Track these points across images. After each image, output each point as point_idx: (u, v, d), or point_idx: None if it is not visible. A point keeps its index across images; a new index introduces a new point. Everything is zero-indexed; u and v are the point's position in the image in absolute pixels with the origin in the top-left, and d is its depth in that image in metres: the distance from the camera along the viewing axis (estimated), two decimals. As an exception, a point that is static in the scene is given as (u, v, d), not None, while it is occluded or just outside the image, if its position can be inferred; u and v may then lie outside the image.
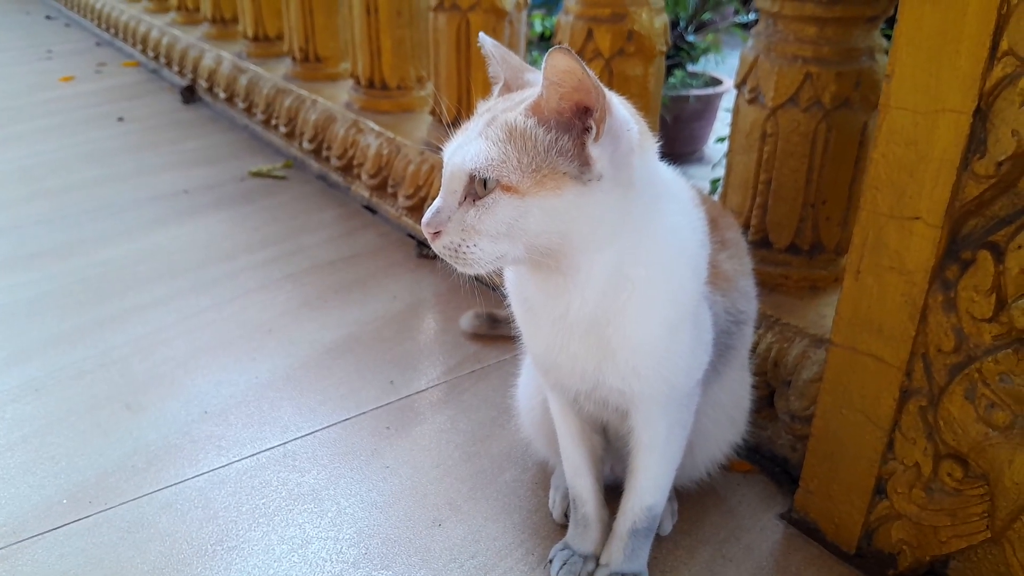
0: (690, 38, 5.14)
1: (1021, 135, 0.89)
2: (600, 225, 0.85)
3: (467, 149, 0.84)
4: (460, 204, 0.84)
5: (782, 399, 1.34)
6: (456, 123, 2.23)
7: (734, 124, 1.44)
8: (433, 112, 2.16)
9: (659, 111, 1.77)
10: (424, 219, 0.86)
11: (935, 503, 1.08)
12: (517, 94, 0.90)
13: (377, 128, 2.31)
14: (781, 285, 1.43)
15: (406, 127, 2.30)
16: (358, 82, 2.44)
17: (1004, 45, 0.88)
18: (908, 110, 0.97)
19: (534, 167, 0.81)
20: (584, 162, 0.82)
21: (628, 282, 0.90)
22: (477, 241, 0.83)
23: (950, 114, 0.93)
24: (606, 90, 0.82)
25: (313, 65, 2.74)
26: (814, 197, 1.38)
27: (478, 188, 0.83)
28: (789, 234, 1.41)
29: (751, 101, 1.38)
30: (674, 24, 5.09)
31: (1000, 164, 0.92)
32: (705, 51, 5.08)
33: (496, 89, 0.95)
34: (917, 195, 0.98)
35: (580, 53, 1.65)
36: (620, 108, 0.84)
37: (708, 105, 4.55)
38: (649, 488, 1.07)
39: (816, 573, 1.17)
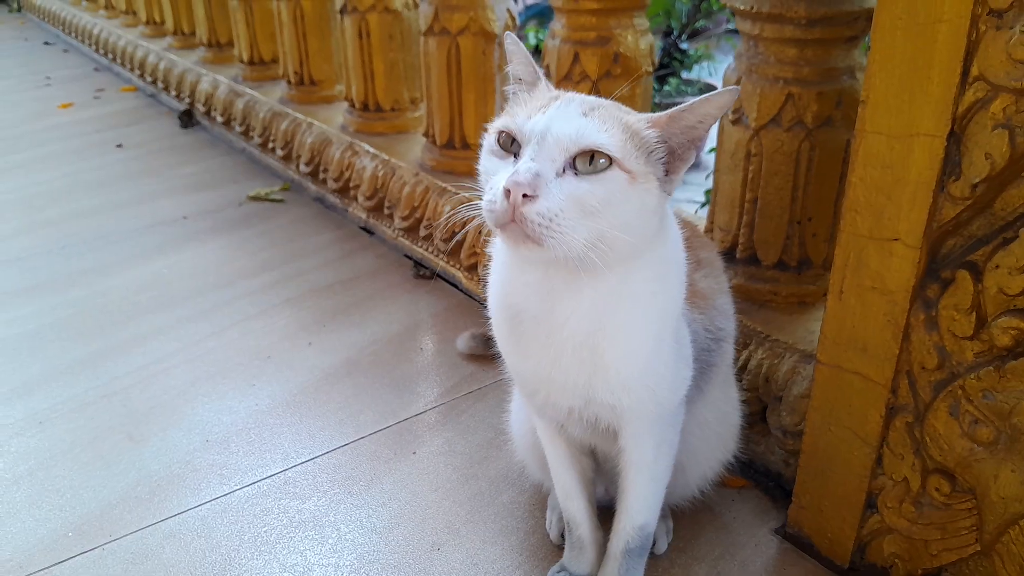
0: (684, 46, 5.18)
1: (994, 158, 0.91)
2: (653, 228, 0.90)
3: (582, 124, 0.83)
4: (559, 175, 0.83)
5: (774, 414, 1.36)
6: (450, 144, 2.24)
7: (719, 145, 1.46)
8: (427, 133, 2.19)
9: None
10: (518, 177, 0.80)
11: (925, 517, 1.10)
12: (594, 98, 0.90)
13: (372, 150, 2.34)
14: (770, 301, 1.45)
15: (400, 148, 2.33)
16: (352, 105, 2.46)
17: (975, 71, 0.91)
18: (883, 134, 0.99)
19: (642, 162, 0.86)
20: (668, 173, 0.89)
21: (632, 294, 0.92)
22: (573, 214, 0.82)
23: (924, 138, 0.95)
24: None
25: (308, 88, 2.77)
26: (800, 214, 1.40)
27: (580, 163, 0.83)
28: (776, 251, 1.43)
29: (735, 122, 1.40)
30: (667, 32, 5.13)
31: (975, 186, 0.94)
32: (698, 59, 5.11)
33: (516, 88, 0.96)
34: (895, 217, 1.00)
35: (567, 76, 1.68)
36: None
37: (703, 113, 4.56)
38: (640, 508, 1.09)
39: (811, 588, 1.18)
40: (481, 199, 0.85)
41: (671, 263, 0.96)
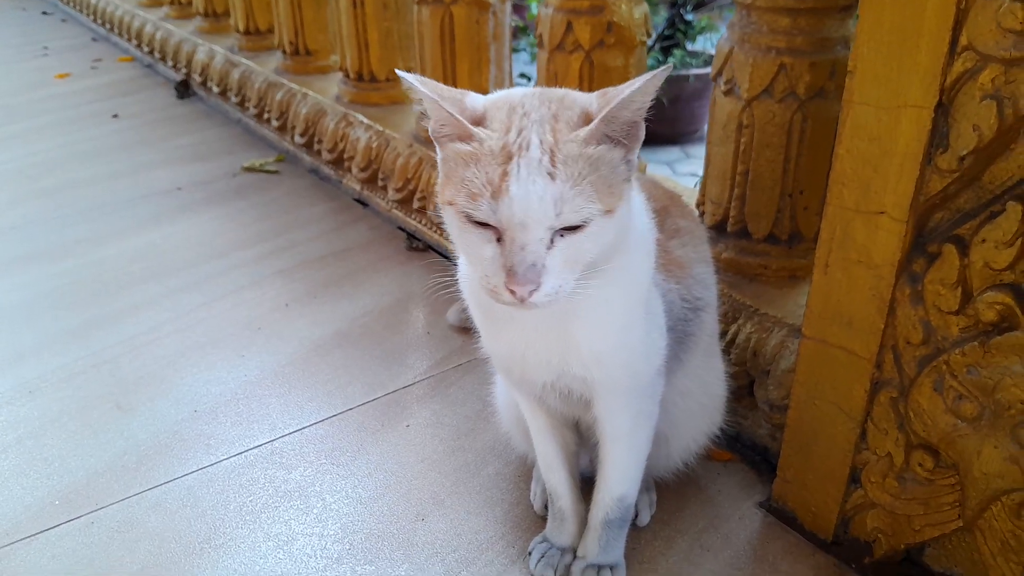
0: (689, 17, 5.11)
1: (982, 129, 0.90)
2: (627, 229, 0.88)
3: (556, 195, 0.78)
4: (548, 248, 0.80)
5: (761, 388, 1.35)
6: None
7: (711, 116, 1.44)
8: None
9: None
10: (519, 279, 0.79)
11: (908, 492, 1.10)
12: (522, 117, 0.82)
13: (366, 121, 2.32)
14: (760, 275, 1.44)
15: (395, 119, 2.31)
16: (347, 75, 2.44)
17: (963, 40, 0.88)
18: (871, 106, 0.97)
19: (612, 184, 0.82)
20: (629, 157, 0.85)
21: (599, 276, 0.89)
22: (569, 273, 0.82)
23: (912, 109, 0.94)
24: None
25: (303, 58, 2.74)
26: (791, 187, 1.38)
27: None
28: (767, 224, 1.41)
29: (727, 93, 1.38)
30: (673, 3, 5.06)
31: (962, 159, 0.92)
32: (702, 30, 5.05)
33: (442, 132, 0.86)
34: (882, 190, 0.99)
35: (560, 45, 1.66)
36: None
37: (708, 84, 4.51)
38: (618, 479, 1.09)
39: (793, 562, 1.18)
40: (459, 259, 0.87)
41: (635, 235, 0.93)
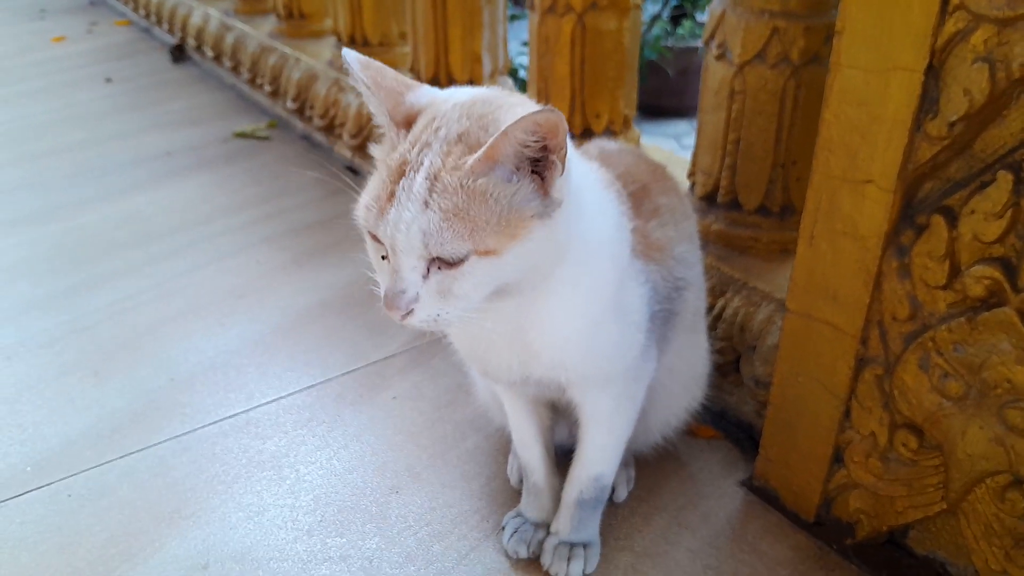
0: (698, -15, 5.00)
1: (974, 94, 0.85)
2: (563, 246, 0.83)
3: (425, 225, 0.75)
4: (424, 277, 0.78)
5: (747, 364, 1.32)
6: (435, 81, 2.16)
7: (703, 82, 1.39)
8: (412, 69, 2.12)
9: (637, 67, 1.72)
10: (388, 304, 0.78)
11: (891, 473, 1.06)
12: (433, 133, 0.78)
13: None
14: (751, 248, 1.40)
15: (388, 85, 2.25)
16: (340, 39, 2.38)
17: (956, -1, 0.84)
18: (859, 69, 0.92)
19: (504, 223, 0.76)
20: (546, 195, 0.79)
21: (553, 290, 0.87)
22: (455, 304, 0.79)
23: (902, 72, 0.89)
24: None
25: (297, 22, 2.68)
26: (784, 157, 1.33)
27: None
28: (759, 195, 1.37)
29: (719, 58, 1.33)
30: (682, -28, 4.95)
31: (952, 125, 0.88)
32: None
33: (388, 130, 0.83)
34: (869, 158, 0.95)
35: (551, 8, 1.61)
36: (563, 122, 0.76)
37: (715, 56, 4.41)
38: (596, 459, 1.06)
39: (774, 541, 1.16)
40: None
41: (588, 243, 0.88)
